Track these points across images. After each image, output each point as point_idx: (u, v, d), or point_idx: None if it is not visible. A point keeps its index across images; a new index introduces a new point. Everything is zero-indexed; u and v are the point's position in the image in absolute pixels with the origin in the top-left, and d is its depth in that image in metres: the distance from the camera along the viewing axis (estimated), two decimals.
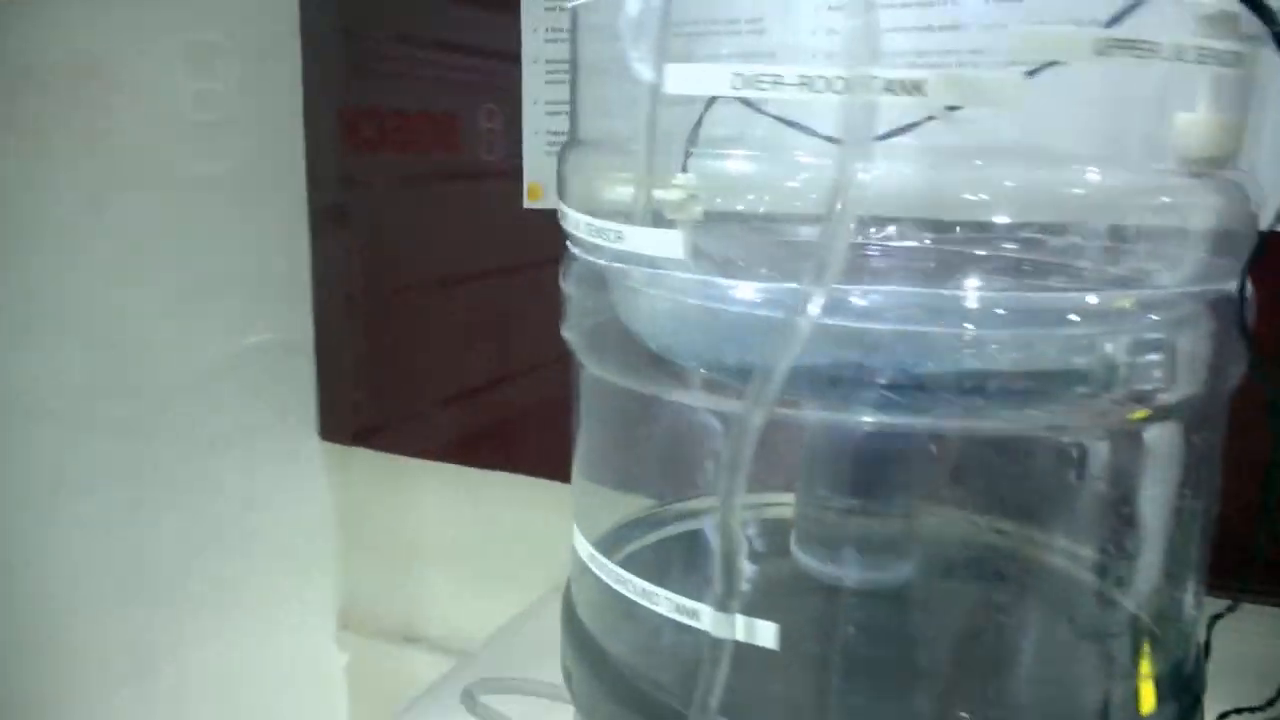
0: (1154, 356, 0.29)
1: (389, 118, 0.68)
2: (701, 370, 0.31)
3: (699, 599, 0.30)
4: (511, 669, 0.59)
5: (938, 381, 0.30)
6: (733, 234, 0.33)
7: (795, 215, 0.34)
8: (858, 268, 0.33)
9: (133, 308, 0.60)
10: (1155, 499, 0.32)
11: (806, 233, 0.33)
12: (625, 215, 0.32)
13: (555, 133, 0.62)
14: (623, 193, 0.31)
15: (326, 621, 0.78)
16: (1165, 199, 0.29)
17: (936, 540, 0.37)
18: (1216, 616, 0.36)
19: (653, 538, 0.40)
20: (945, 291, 0.27)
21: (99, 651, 0.60)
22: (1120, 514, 0.32)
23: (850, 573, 0.37)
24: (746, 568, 0.29)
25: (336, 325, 0.73)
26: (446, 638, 0.77)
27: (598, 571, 0.34)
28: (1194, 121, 0.31)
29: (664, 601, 0.32)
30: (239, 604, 0.70)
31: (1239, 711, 0.35)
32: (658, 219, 0.30)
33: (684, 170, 0.33)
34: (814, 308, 0.24)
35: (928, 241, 0.36)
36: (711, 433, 0.32)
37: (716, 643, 0.30)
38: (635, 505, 0.40)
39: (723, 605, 0.29)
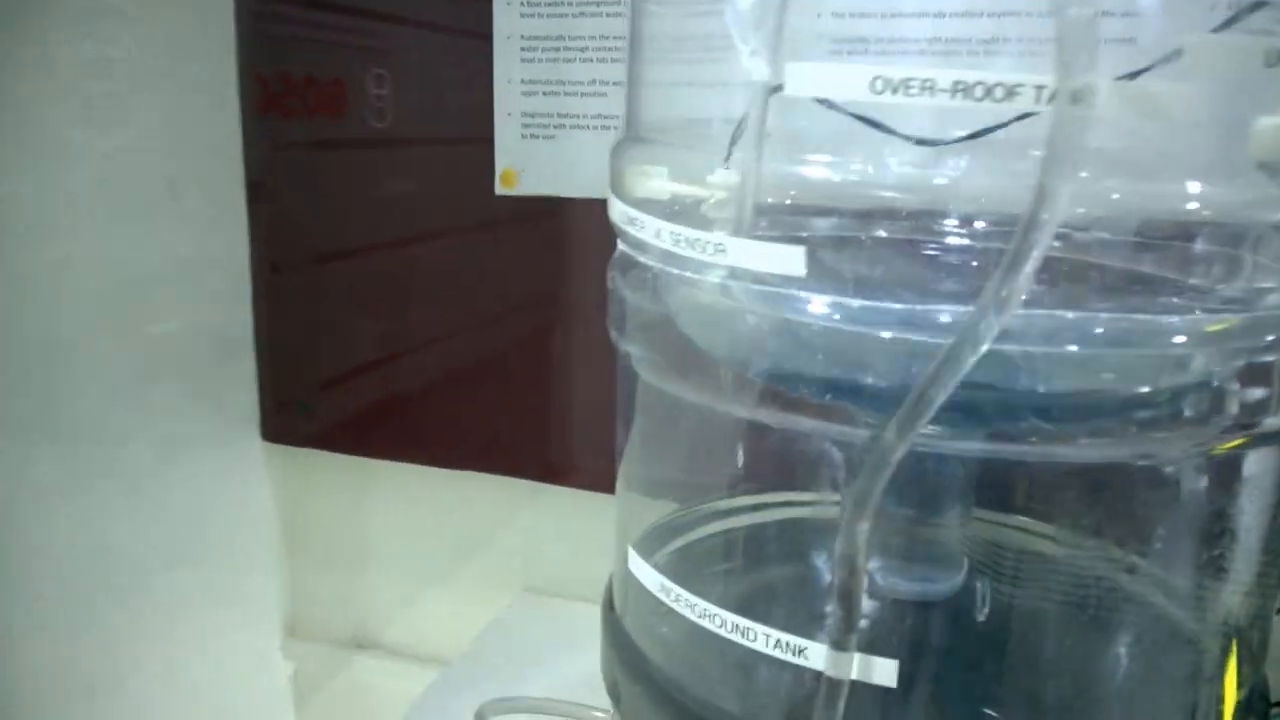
0: (1262, 384, 0.28)
1: (320, 85, 0.63)
2: (803, 393, 0.29)
3: (795, 628, 0.29)
4: (498, 680, 0.56)
5: (1041, 406, 0.28)
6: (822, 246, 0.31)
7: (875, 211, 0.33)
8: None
9: (63, 307, 0.54)
10: (1248, 523, 0.31)
11: (932, 249, 0.32)
12: (703, 219, 0.30)
13: (532, 115, 0.58)
14: (716, 197, 0.29)
15: (272, 630, 0.74)
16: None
17: (1011, 554, 0.36)
18: None
19: (694, 539, 0.38)
20: (1053, 313, 0.25)
21: (40, 670, 0.54)
22: (1211, 538, 0.32)
23: (914, 584, 0.36)
24: (866, 604, 0.28)
25: (278, 318, 0.68)
26: (399, 644, 0.74)
27: (670, 603, 0.32)
28: (1275, 127, 0.30)
29: (761, 638, 0.30)
30: (183, 615, 0.65)
31: None
32: (765, 232, 0.28)
33: (726, 166, 0.31)
34: (989, 334, 0.23)
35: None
36: (809, 455, 0.30)
37: (833, 683, 0.28)
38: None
39: (840, 644, 0.28)
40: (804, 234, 0.33)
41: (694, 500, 0.38)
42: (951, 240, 0.31)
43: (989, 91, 0.24)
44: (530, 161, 0.58)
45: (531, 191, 0.59)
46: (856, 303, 0.26)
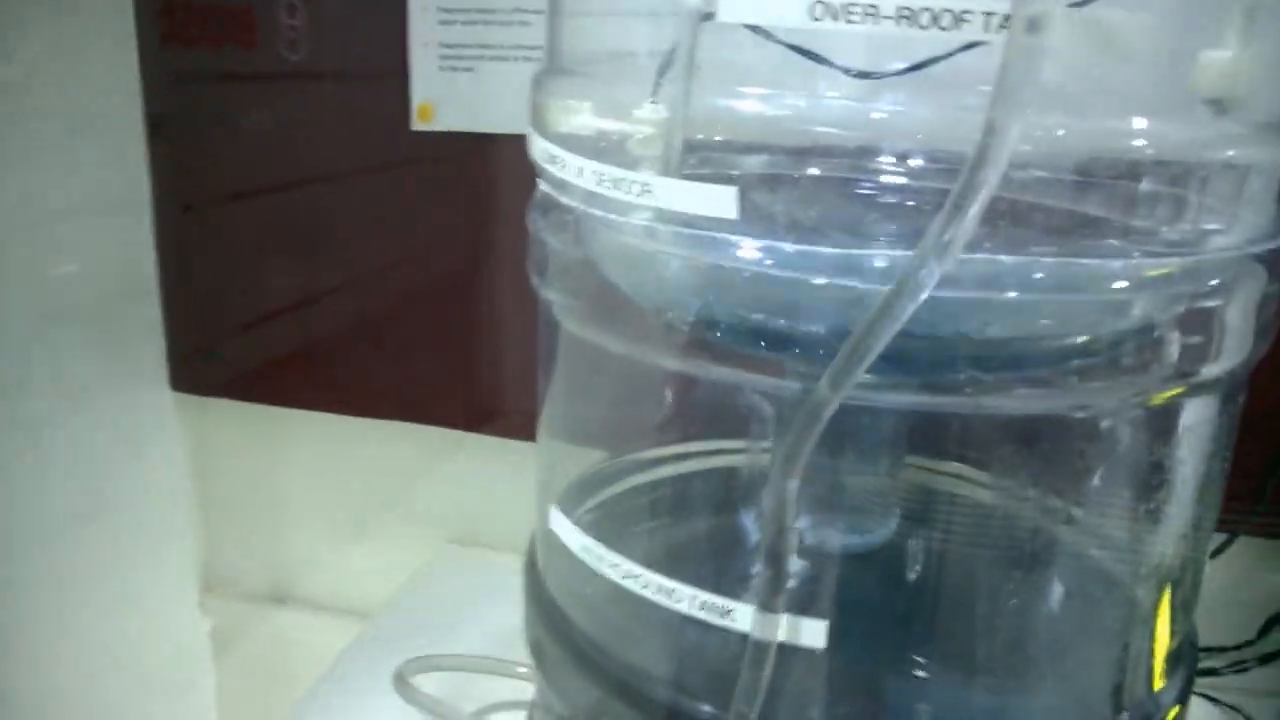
0: (1202, 331, 0.28)
1: (228, 13, 0.59)
2: (734, 342, 0.27)
3: (722, 588, 0.27)
4: (420, 636, 0.55)
5: (977, 356, 0.27)
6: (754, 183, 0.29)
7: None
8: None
9: None
10: (1184, 473, 0.31)
11: (869, 188, 0.30)
12: (630, 157, 0.27)
13: (450, 45, 0.55)
14: (643, 134, 0.27)
15: (188, 586, 0.71)
16: (1230, 152, 0.27)
17: (944, 503, 0.35)
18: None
19: (619, 492, 0.37)
20: (992, 257, 0.24)
21: None
22: (1148, 488, 0.31)
23: (844, 537, 0.35)
24: (794, 563, 0.26)
25: (184, 261, 0.64)
26: (319, 598, 0.71)
27: (592, 563, 0.30)
28: (1223, 60, 0.29)
29: (686, 599, 0.28)
30: (94, 571, 0.62)
31: (1223, 650, 0.35)
32: (694, 170, 0.26)
33: (654, 100, 0.29)
34: (930, 281, 0.21)
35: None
36: (739, 407, 0.28)
37: (760, 646, 0.27)
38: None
39: (767, 605, 0.26)
40: (735, 172, 0.31)
41: (618, 452, 0.36)
42: (889, 179, 0.29)
43: (935, 18, 0.22)
44: (448, 95, 0.55)
45: (450, 127, 0.56)
46: (790, 247, 0.24)
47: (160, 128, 0.61)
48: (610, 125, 0.28)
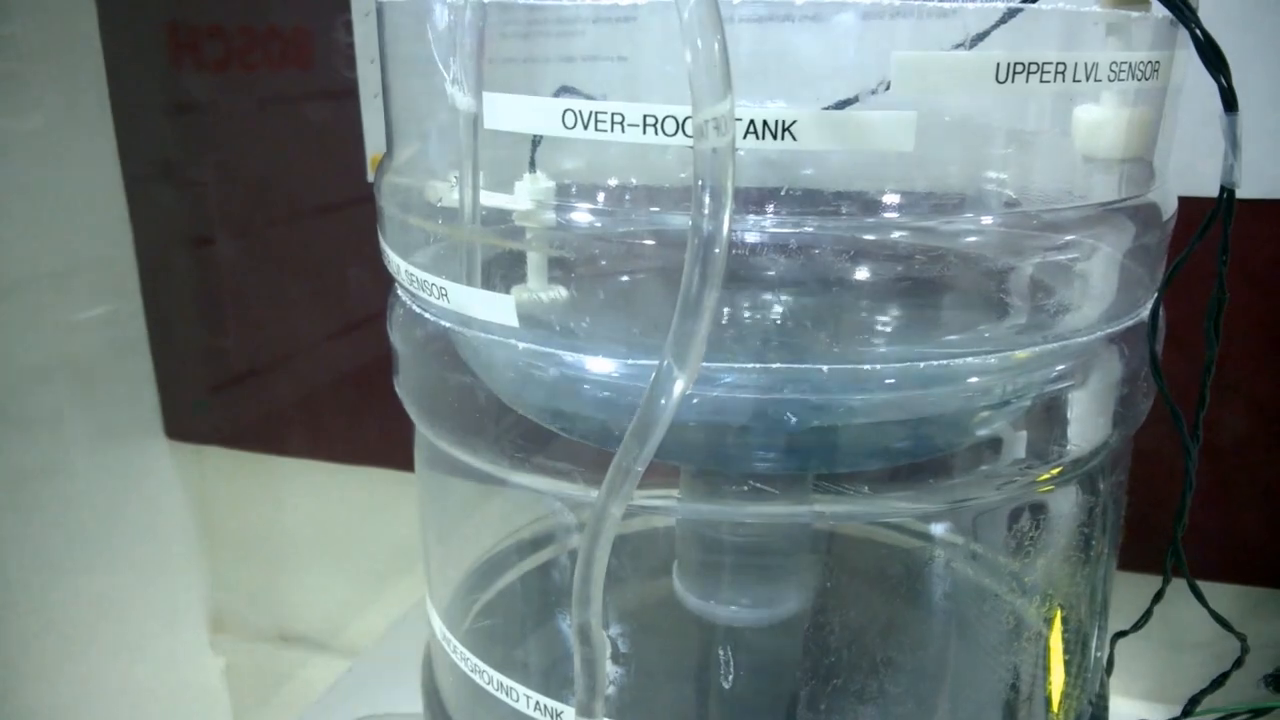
0: (1059, 415, 0.26)
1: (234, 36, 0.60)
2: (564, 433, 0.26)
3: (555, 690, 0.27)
4: (399, 678, 0.55)
5: (818, 462, 0.26)
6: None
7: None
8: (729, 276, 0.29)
9: None
10: (1046, 556, 0.29)
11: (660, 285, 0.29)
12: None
13: None
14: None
15: (198, 626, 0.73)
16: (1069, 237, 0.25)
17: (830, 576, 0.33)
18: (1119, 634, 0.34)
19: (506, 583, 0.36)
20: (823, 367, 0.23)
21: None
22: (1025, 578, 0.29)
23: (735, 613, 0.34)
24: (610, 669, 0.26)
25: (169, 309, 0.66)
26: (325, 636, 0.73)
27: (452, 655, 0.30)
28: (1098, 118, 0.27)
29: (523, 698, 0.28)
30: (104, 617, 0.64)
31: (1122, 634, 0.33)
32: (487, 271, 0.25)
33: (532, 170, 0.28)
34: (674, 392, 0.20)
35: (809, 230, 0.32)
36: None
37: None
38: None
39: (586, 711, 0.26)
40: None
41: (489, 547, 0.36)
42: None
43: (680, 125, 0.21)
44: None
45: None
46: (569, 355, 0.23)
47: (140, 181, 0.63)
48: (416, 220, 0.27)
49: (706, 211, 0.19)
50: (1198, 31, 0.25)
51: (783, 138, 0.21)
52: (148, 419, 0.67)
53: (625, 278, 0.26)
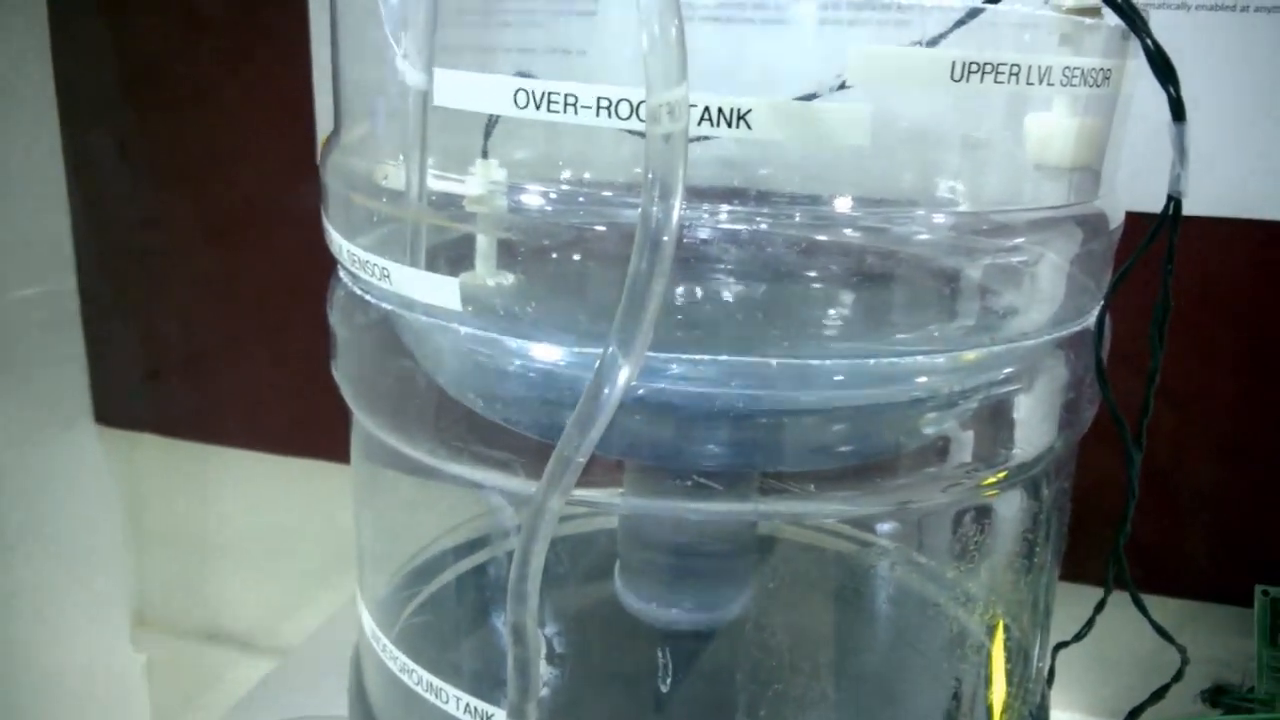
0: (1006, 418, 0.26)
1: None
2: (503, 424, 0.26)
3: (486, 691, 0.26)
4: (329, 678, 0.54)
5: (764, 458, 0.25)
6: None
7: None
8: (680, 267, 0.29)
9: None
10: (991, 561, 0.29)
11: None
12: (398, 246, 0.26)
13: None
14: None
15: (121, 620, 0.71)
16: (1018, 240, 0.25)
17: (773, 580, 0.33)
18: (1060, 645, 0.34)
19: (442, 582, 0.35)
20: (772, 361, 0.22)
21: None
22: (968, 585, 0.29)
23: (676, 616, 0.33)
24: (545, 671, 0.25)
25: (104, 289, 0.64)
26: (255, 635, 0.71)
27: (381, 654, 0.29)
28: (1049, 126, 0.27)
29: (452, 699, 0.27)
30: (23, 608, 0.62)
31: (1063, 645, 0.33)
32: (432, 257, 0.24)
33: (485, 155, 0.27)
34: (619, 383, 0.20)
35: (761, 224, 0.32)
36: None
37: None
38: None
39: (518, 712, 0.25)
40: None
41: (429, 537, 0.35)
42: None
43: (634, 109, 0.20)
44: None
45: None
46: (514, 342, 0.23)
47: (79, 156, 0.61)
48: (361, 200, 0.26)
49: (656, 198, 0.18)
50: (1149, 41, 0.25)
51: (737, 125, 0.20)
52: (77, 403, 0.65)
53: (574, 266, 0.25)
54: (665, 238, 0.18)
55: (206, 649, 0.71)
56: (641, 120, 0.20)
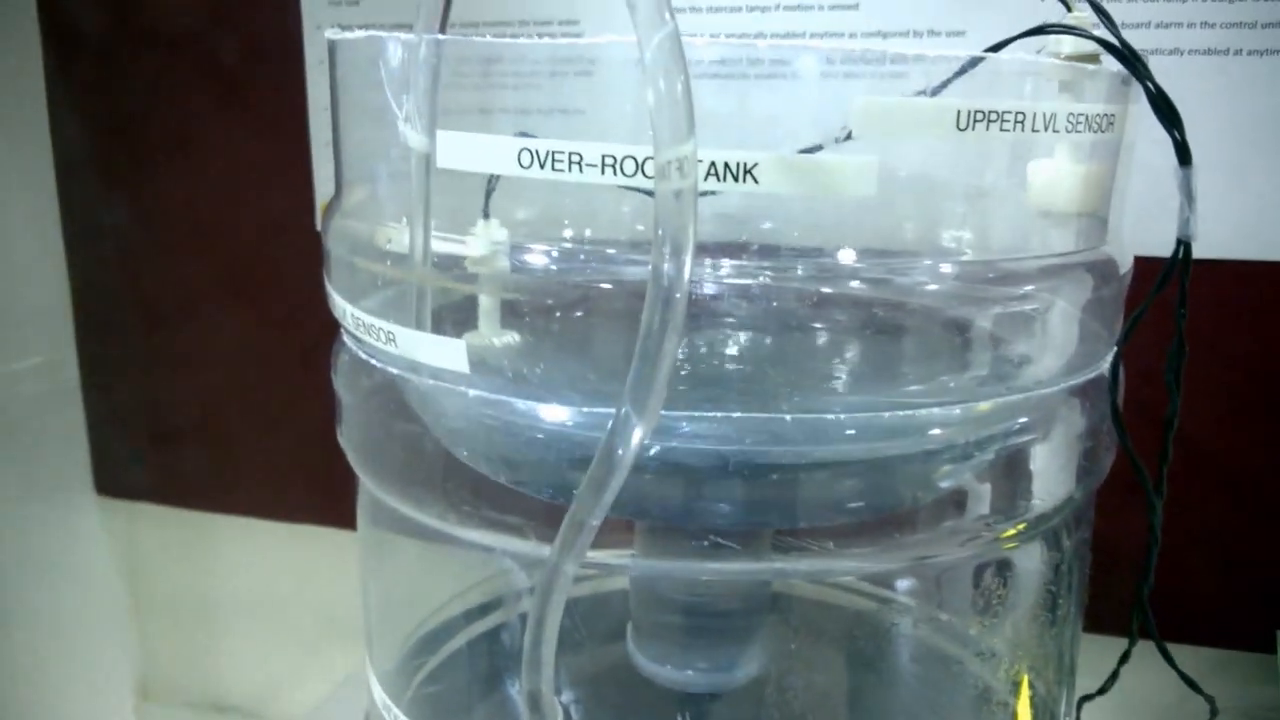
0: (1023, 469, 0.25)
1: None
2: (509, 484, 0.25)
3: None
4: None
5: (779, 516, 0.25)
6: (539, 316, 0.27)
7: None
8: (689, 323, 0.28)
9: None
10: (1030, 616, 0.28)
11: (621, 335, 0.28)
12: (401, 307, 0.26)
13: None
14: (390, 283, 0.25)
15: (124, 693, 0.69)
16: (1028, 288, 0.25)
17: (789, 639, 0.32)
18: (1085, 698, 0.33)
19: (452, 649, 0.34)
20: (786, 416, 0.22)
21: None
22: (990, 640, 0.28)
23: (690, 678, 0.32)
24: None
25: (104, 359, 0.63)
26: (260, 705, 0.69)
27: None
28: (1053, 172, 0.27)
29: None
30: (24, 681, 0.61)
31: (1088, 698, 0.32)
32: (436, 320, 0.24)
33: (486, 215, 0.27)
34: (635, 440, 0.19)
35: (767, 278, 0.32)
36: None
37: None
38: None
39: None
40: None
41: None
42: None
43: (631, 163, 0.20)
44: None
45: None
46: (522, 403, 0.22)
47: (77, 230, 0.61)
48: (364, 263, 0.26)
49: (667, 255, 0.18)
50: (1151, 85, 0.25)
51: (744, 180, 0.20)
52: (77, 473, 0.64)
53: (580, 325, 0.25)
54: (677, 295, 0.18)
55: None
56: (647, 177, 0.20)
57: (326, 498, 0.61)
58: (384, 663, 0.31)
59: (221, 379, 0.62)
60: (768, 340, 0.26)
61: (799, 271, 0.24)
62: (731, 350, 0.26)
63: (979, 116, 0.21)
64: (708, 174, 0.20)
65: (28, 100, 0.59)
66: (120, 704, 0.70)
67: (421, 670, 0.31)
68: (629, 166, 0.20)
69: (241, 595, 0.68)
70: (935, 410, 0.24)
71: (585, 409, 0.22)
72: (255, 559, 0.67)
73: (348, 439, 0.29)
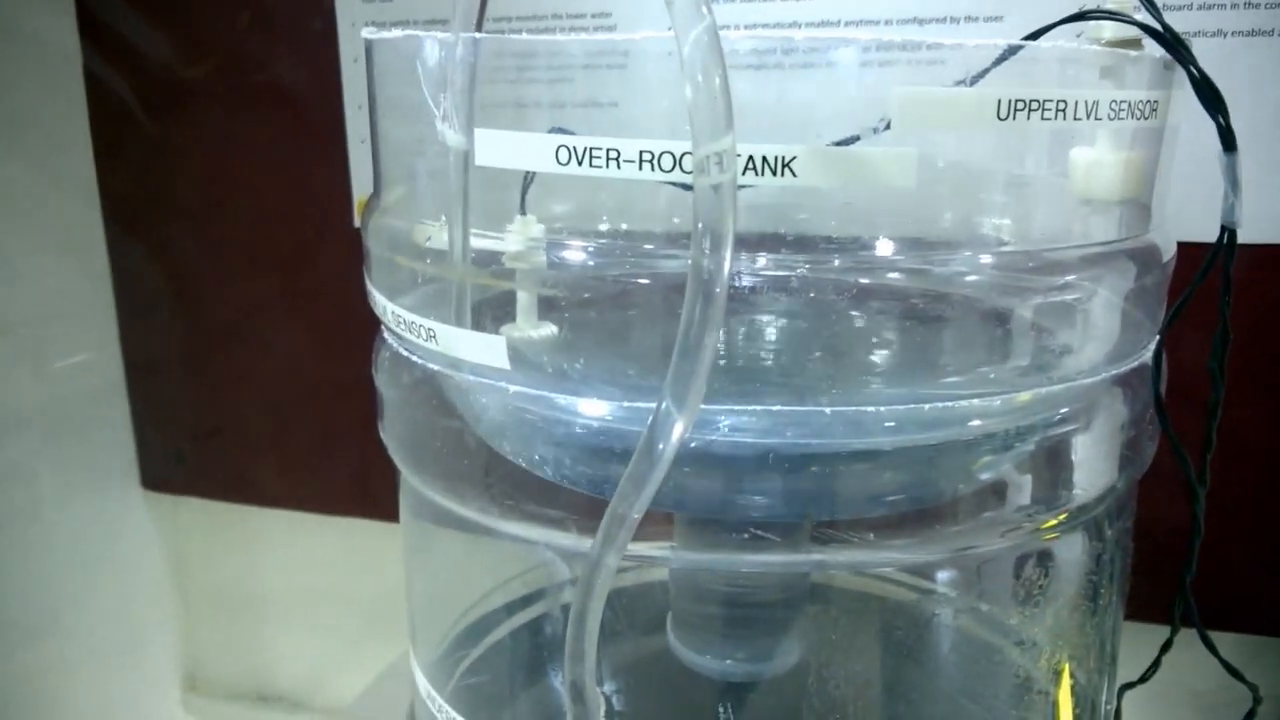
0: (1064, 459, 0.25)
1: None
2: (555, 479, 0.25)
3: None
4: None
5: (819, 508, 0.25)
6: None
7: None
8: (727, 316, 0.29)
9: None
10: (1071, 607, 0.28)
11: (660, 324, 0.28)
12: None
13: None
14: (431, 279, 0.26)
15: (171, 685, 0.71)
16: (1069, 277, 0.25)
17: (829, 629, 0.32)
18: (1126, 686, 0.33)
19: (495, 639, 0.35)
20: (826, 409, 0.22)
21: None
22: (1031, 630, 0.28)
23: (730, 668, 0.33)
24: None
25: (148, 353, 0.64)
26: (305, 695, 0.71)
27: (437, 715, 0.29)
28: (1095, 159, 0.27)
29: None
30: (72, 673, 0.62)
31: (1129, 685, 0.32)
32: (477, 318, 0.24)
33: (522, 211, 0.27)
34: (676, 434, 0.19)
35: (805, 270, 0.31)
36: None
37: None
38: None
39: None
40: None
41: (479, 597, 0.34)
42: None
43: (678, 161, 0.20)
44: None
45: None
46: (562, 398, 0.23)
47: (120, 225, 0.62)
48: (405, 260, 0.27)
49: (707, 250, 0.18)
50: (1195, 70, 0.24)
51: (782, 174, 0.20)
52: (123, 469, 0.66)
53: (618, 319, 0.25)
54: (718, 289, 0.18)
55: (258, 711, 0.71)
56: (685, 171, 0.20)
57: (368, 491, 0.62)
58: (428, 653, 0.32)
59: (264, 374, 0.63)
60: (806, 332, 0.26)
61: (837, 263, 0.24)
62: (770, 343, 0.26)
63: (1020, 106, 0.21)
64: (745, 168, 0.20)
65: (70, 101, 0.60)
66: (167, 695, 0.71)
67: (464, 661, 0.32)
68: (666, 162, 0.20)
69: (285, 587, 0.69)
70: (975, 401, 0.24)
71: (625, 403, 0.22)
72: (299, 552, 0.68)
73: (390, 434, 0.30)
